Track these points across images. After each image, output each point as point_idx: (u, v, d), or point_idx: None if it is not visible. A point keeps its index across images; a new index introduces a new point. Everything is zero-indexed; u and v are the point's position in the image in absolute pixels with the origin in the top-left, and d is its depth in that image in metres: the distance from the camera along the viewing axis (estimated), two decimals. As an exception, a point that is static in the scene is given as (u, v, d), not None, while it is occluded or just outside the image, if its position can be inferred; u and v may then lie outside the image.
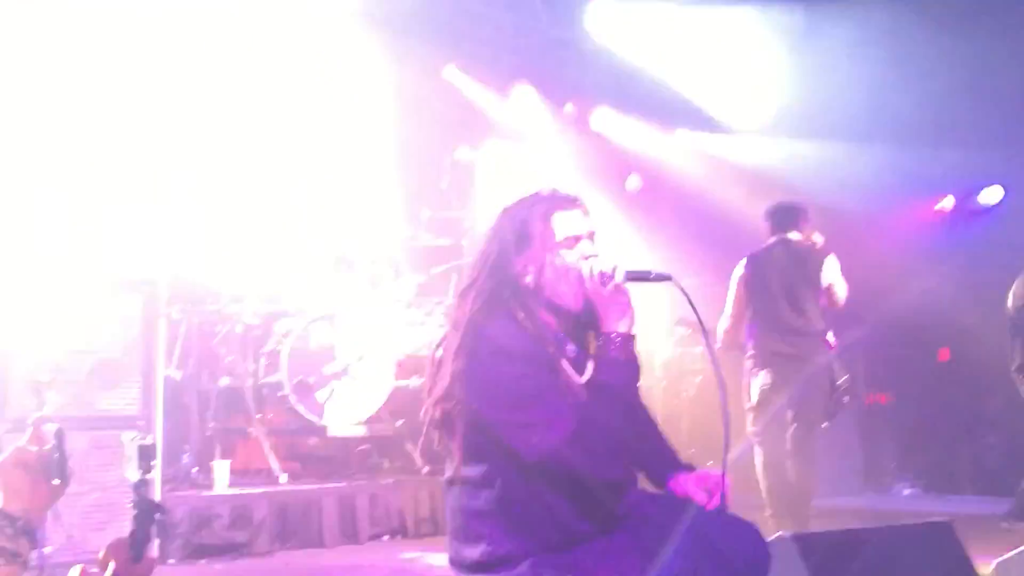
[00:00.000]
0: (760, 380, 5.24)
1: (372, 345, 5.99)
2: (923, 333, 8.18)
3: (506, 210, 2.33)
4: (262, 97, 7.08)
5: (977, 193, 8.23)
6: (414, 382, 6.22)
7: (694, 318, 2.30)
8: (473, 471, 2.15)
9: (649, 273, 2.24)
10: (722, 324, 5.48)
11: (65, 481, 1.57)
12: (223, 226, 7.13)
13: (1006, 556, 3.34)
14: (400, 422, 6.15)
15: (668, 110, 9.14)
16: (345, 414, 5.87)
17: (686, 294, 2.28)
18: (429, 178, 7.65)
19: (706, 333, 2.37)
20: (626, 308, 2.20)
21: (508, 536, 2.10)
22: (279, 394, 5.76)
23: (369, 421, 5.98)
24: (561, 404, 2.08)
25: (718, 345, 6.19)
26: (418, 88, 8.26)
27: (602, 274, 2.18)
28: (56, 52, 5.58)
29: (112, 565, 1.42)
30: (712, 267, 7.62)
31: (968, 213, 8.40)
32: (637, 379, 2.25)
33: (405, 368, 6.32)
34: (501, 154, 9.10)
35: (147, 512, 1.48)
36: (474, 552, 2.14)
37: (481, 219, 7.39)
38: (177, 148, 6.28)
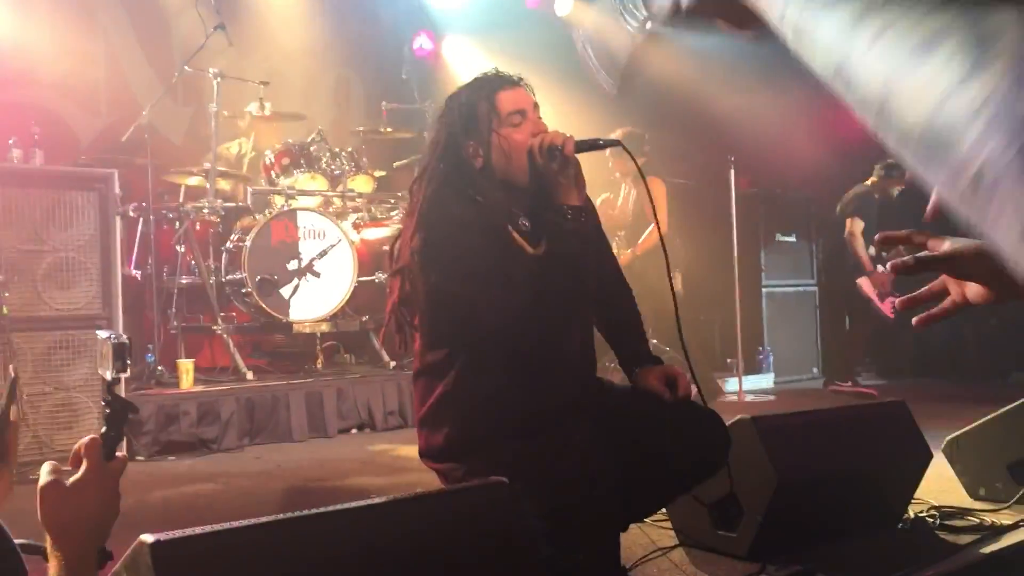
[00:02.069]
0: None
1: (334, 241, 5.94)
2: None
3: (452, 96, 2.33)
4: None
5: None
6: (378, 277, 6.21)
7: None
8: (434, 356, 2.18)
9: (598, 141, 2.25)
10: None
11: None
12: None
13: (956, 433, 3.45)
14: (365, 317, 6.15)
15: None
16: (310, 310, 5.86)
17: (633, 158, 2.48)
18: (389, 70, 7.48)
19: (653, 204, 2.62)
20: (576, 180, 2.18)
21: (470, 420, 2.13)
22: (242, 291, 5.72)
23: (334, 317, 5.99)
24: (514, 275, 2.10)
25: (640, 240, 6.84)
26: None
27: (551, 147, 2.16)
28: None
29: (85, 463, 1.40)
30: (680, 157, 7.62)
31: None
32: (591, 249, 2.25)
33: (368, 263, 6.30)
34: (463, 44, 8.91)
35: (120, 412, 1.46)
36: (439, 438, 2.17)
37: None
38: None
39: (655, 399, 2.24)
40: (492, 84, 2.27)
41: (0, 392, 1.53)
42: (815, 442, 2.78)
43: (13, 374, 1.55)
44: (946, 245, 0.98)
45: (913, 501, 3.06)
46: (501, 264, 2.11)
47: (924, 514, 3.03)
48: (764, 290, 7.54)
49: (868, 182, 6.84)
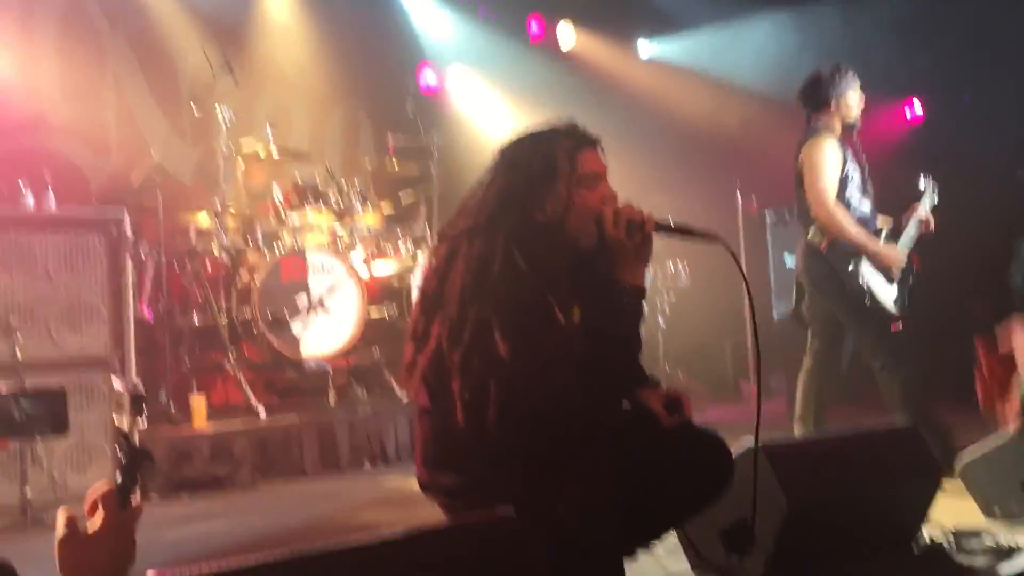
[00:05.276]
0: None
1: (342, 276, 5.98)
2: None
3: (525, 144, 2.23)
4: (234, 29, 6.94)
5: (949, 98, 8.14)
6: (387, 311, 6.24)
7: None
8: (462, 411, 2.08)
9: (689, 229, 2.14)
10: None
11: None
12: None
13: (968, 454, 3.44)
14: (376, 351, 6.17)
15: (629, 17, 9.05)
16: (320, 346, 5.88)
17: (735, 255, 2.18)
18: (395, 105, 7.55)
19: (750, 292, 2.33)
20: (646, 259, 2.12)
21: (488, 467, 2.08)
22: (253, 329, 5.75)
23: (344, 352, 6.00)
24: (558, 354, 2.03)
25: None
26: (377, 9, 8.11)
27: (630, 221, 2.08)
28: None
29: (102, 513, 1.41)
30: (684, 184, 7.63)
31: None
32: (639, 328, 2.19)
33: (377, 297, 6.33)
34: (468, 78, 8.98)
35: (135, 461, 1.47)
36: (451, 479, 2.15)
37: (449, 145, 7.33)
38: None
39: (656, 422, 2.23)
40: (574, 141, 2.19)
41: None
42: (826, 467, 2.77)
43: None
44: None
45: (927, 523, 3.04)
46: (545, 346, 2.02)
47: (939, 536, 3.02)
48: (775, 313, 7.50)
49: None
